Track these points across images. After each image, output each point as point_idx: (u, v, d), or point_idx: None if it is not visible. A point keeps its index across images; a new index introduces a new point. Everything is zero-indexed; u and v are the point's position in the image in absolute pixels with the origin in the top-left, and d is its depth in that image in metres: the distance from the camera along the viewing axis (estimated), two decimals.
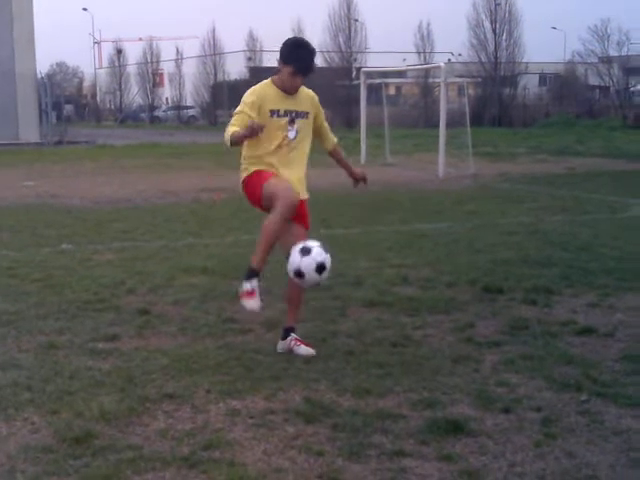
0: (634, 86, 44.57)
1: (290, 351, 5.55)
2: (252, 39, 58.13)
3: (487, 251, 9.22)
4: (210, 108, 58.81)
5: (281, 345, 5.65)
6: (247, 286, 5.29)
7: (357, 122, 28.50)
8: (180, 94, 62.87)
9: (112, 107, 70.91)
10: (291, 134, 5.46)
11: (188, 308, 6.84)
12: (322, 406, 4.62)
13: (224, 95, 52.82)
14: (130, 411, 4.53)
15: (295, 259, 5.28)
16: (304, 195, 5.57)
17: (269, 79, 5.52)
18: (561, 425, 4.37)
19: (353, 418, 4.45)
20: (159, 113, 65.09)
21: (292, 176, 5.43)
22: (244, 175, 5.53)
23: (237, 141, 5.20)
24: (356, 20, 52.93)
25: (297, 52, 5.45)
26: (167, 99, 67.04)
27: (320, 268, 5.25)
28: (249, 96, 5.42)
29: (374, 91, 28.02)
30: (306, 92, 5.62)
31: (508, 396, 4.78)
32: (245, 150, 5.50)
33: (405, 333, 6.07)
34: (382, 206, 13.39)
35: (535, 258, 8.70)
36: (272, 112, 5.40)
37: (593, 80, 48.11)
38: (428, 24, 53.47)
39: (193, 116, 62.07)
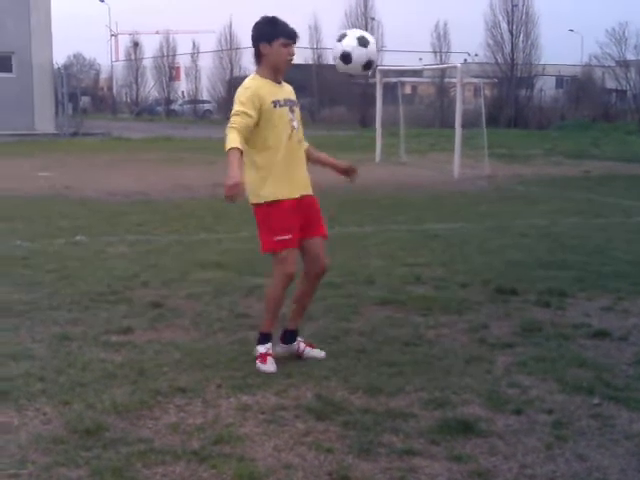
0: None
1: (301, 355, 5.43)
2: None
3: (500, 252, 9.20)
4: (226, 103, 58.80)
5: (283, 349, 5.46)
6: (262, 349, 5.26)
7: (372, 121, 28.44)
8: (196, 88, 62.98)
9: (128, 100, 71.12)
10: (295, 124, 5.25)
11: (201, 302, 6.85)
12: (333, 403, 4.62)
13: None
14: (141, 404, 4.54)
15: (349, 43, 5.27)
16: (309, 191, 5.35)
17: (253, 74, 5.26)
18: (572, 428, 4.36)
19: (364, 416, 4.44)
20: (175, 107, 65.19)
21: (301, 173, 5.30)
22: (261, 197, 5.18)
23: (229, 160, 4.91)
24: (373, 18, 52.91)
25: (275, 24, 5.18)
26: (183, 93, 67.14)
27: (369, 65, 5.34)
28: (245, 91, 5.12)
29: (390, 90, 27.96)
30: (287, 84, 5.38)
31: (520, 398, 4.77)
32: (253, 151, 5.14)
33: (417, 332, 6.06)
34: (395, 205, 13.37)
35: (549, 260, 8.67)
36: (274, 103, 5.14)
37: (610, 84, 47.91)
38: (445, 24, 53.42)
39: (209, 110, 62.17)
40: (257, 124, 5.08)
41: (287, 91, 5.31)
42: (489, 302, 6.98)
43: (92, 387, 4.78)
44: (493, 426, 4.37)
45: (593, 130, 37.30)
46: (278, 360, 5.31)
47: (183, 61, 65.74)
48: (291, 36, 5.18)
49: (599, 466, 3.93)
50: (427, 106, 50.54)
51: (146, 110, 66.19)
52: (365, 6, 52.83)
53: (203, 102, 62.99)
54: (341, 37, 5.36)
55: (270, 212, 5.17)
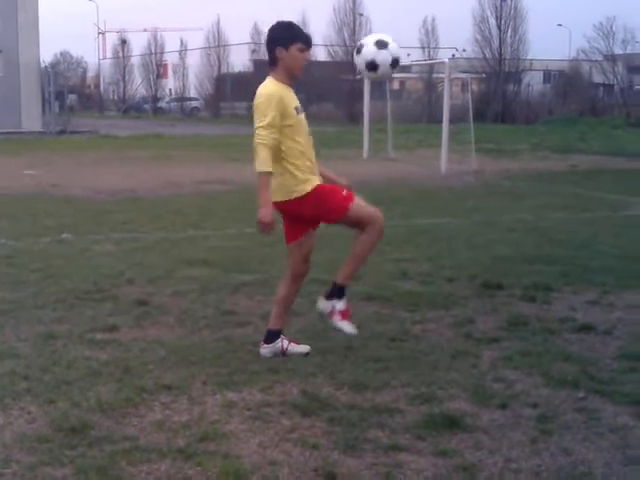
0: (638, 84, 44.48)
1: (284, 353, 5.35)
2: (257, 32, 58.09)
3: (487, 247, 9.21)
4: (213, 100, 58.80)
5: (267, 349, 5.39)
6: (341, 306, 5.29)
7: (360, 116, 28.43)
8: (183, 85, 62.97)
9: (115, 98, 70.99)
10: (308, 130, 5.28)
11: (187, 300, 6.84)
12: (319, 399, 4.62)
13: (227, 87, 52.82)
14: (127, 402, 4.53)
15: (370, 51, 5.30)
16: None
17: (269, 79, 5.16)
18: (558, 422, 4.37)
19: (350, 412, 4.45)
20: (162, 104, 65.11)
21: (319, 178, 5.27)
22: (300, 190, 5.16)
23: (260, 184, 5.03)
24: (361, 14, 52.90)
25: (292, 29, 5.20)
26: (170, 90, 67.03)
27: (395, 62, 5.36)
28: (268, 100, 5.01)
29: (378, 86, 27.95)
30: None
31: (505, 392, 4.77)
32: (282, 154, 5.13)
33: (404, 328, 6.07)
34: (383, 200, 13.33)
35: (535, 255, 8.69)
36: (296, 109, 5.13)
37: (597, 78, 48.03)
38: (433, 19, 53.54)
39: (196, 108, 62.10)
40: (283, 132, 5.04)
41: (295, 96, 5.28)
42: (475, 297, 7.00)
43: (77, 385, 4.77)
44: (478, 421, 4.38)
45: (580, 124, 37.38)
46: (263, 358, 5.31)
47: (171, 58, 65.65)
48: (307, 42, 5.18)
49: (584, 459, 3.95)
50: (415, 102, 50.56)
51: (133, 108, 66.08)
52: (353, 2, 52.85)
53: (190, 99, 62.93)
54: (359, 48, 5.40)
55: (318, 190, 5.16)
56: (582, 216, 11.85)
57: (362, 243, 5.18)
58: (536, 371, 5.11)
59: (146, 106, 65.29)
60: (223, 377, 4.95)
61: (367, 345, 5.59)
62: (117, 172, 18.29)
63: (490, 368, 5.19)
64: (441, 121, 20.33)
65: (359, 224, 5.15)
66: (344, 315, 5.30)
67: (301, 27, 5.34)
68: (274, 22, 5.31)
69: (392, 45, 5.35)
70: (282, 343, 5.41)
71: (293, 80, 5.23)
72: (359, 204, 5.14)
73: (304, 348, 5.42)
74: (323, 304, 5.38)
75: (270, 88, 5.10)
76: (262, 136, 4.97)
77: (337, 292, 5.31)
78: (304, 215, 5.26)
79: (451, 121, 20.38)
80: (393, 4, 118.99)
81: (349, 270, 5.30)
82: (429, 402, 4.60)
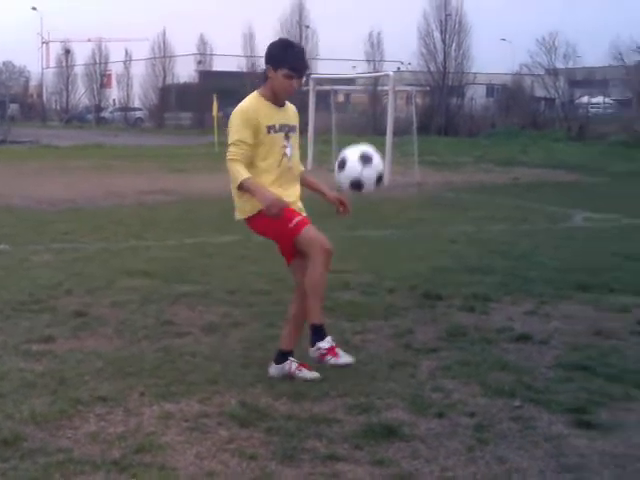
0: (579, 98, 45.24)
1: (291, 377, 5.15)
2: (202, 43, 58.01)
3: (428, 258, 9.28)
4: (157, 110, 58.44)
5: (276, 370, 5.21)
6: (325, 345, 5.02)
7: (305, 128, 28.52)
8: (128, 96, 62.50)
9: (58, 107, 70.13)
10: (288, 151, 5.08)
11: (126, 310, 6.77)
12: (257, 410, 4.61)
13: (172, 98, 52.57)
14: (61, 413, 4.47)
15: (355, 168, 5.09)
16: (304, 213, 5.19)
17: (255, 93, 5.07)
18: (494, 430, 4.42)
19: (288, 422, 4.44)
20: (105, 114, 64.52)
21: (293, 197, 5.12)
22: (254, 208, 4.99)
23: (247, 191, 4.87)
24: (307, 27, 53.06)
25: (287, 52, 5.03)
26: (114, 100, 66.47)
27: (380, 179, 5.17)
28: (240, 116, 4.95)
29: (323, 98, 28.04)
30: (291, 105, 5.23)
31: (443, 401, 4.81)
32: (251, 171, 4.95)
33: (344, 338, 6.06)
34: (326, 211, 13.36)
35: (475, 266, 8.78)
36: (269, 128, 4.97)
37: (539, 92, 48.72)
38: (379, 33, 53.79)
39: (140, 118, 61.66)
40: (252, 145, 4.95)
41: (287, 115, 5.14)
42: (416, 307, 7.04)
43: (11, 397, 4.69)
44: (416, 430, 4.40)
45: (522, 138, 37.86)
46: (202, 366, 5.28)
47: (115, 68, 65.14)
48: (296, 69, 5.00)
49: (518, 468, 3.99)
50: (360, 114, 50.81)
51: (76, 117, 65.37)
52: (300, 14, 52.99)
53: (134, 110, 62.45)
54: (341, 163, 5.16)
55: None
56: (523, 228, 12.02)
57: (309, 279, 5.00)
58: (474, 380, 5.15)
59: (89, 116, 64.63)
60: (161, 388, 4.91)
61: (306, 355, 5.57)
62: (58, 182, 18.05)
63: (428, 378, 5.23)
64: (385, 133, 20.44)
65: (306, 256, 5.03)
66: (332, 352, 5.04)
67: (298, 51, 5.14)
68: (279, 38, 5.25)
69: (376, 159, 5.15)
70: (290, 366, 5.21)
71: (283, 98, 5.11)
72: (306, 237, 4.97)
73: (312, 375, 5.17)
74: (311, 352, 5.11)
75: (246, 104, 5.02)
76: (232, 153, 4.91)
77: (316, 334, 5.07)
78: (265, 234, 5.18)
79: (395, 133, 20.51)
80: (339, 17, 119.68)
81: (310, 308, 5.05)
82: (367, 412, 4.62)
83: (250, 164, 4.96)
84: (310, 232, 4.99)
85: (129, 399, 4.74)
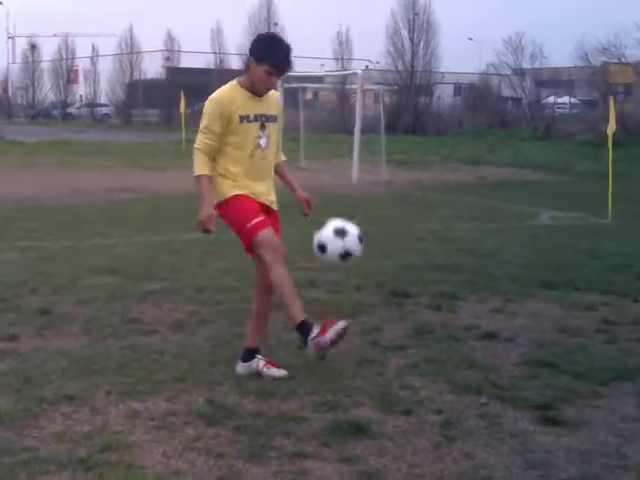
0: (545, 98, 45.57)
1: (259, 374, 5.15)
2: (170, 39, 57.66)
3: (396, 256, 9.31)
4: (125, 107, 58.04)
5: (243, 368, 5.19)
6: (314, 333, 4.90)
7: None
8: (94, 92, 61.92)
9: (24, 103, 69.37)
10: (263, 142, 5.05)
11: (92, 308, 6.72)
12: (225, 408, 4.60)
13: (139, 94, 52.25)
14: (26, 412, 4.43)
15: (327, 234, 5.21)
16: (274, 207, 5.25)
17: (234, 80, 5.07)
18: (461, 427, 4.44)
19: (255, 420, 4.43)
20: (72, 110, 63.94)
21: (264, 188, 5.12)
22: (221, 195, 5.04)
23: (198, 188, 4.93)
24: (275, 24, 52.91)
25: (272, 48, 5.00)
26: (81, 96, 65.90)
27: (345, 255, 5.19)
28: (212, 105, 4.97)
29: (291, 96, 28.00)
30: (274, 93, 5.21)
31: (410, 399, 4.83)
32: (218, 157, 5.03)
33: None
34: (292, 209, 13.36)
35: (442, 264, 8.82)
36: (242, 118, 4.97)
37: (506, 92, 49.00)
38: (347, 30, 53.78)
39: (107, 114, 61.18)
40: (223, 138, 4.98)
41: (266, 105, 5.10)
42: (383, 305, 7.06)
43: None
44: (383, 427, 4.42)
45: (489, 137, 38.04)
46: (169, 364, 5.25)
47: (82, 64, 64.58)
48: (277, 67, 4.98)
49: (485, 464, 4.01)
50: (328, 112, 50.81)
51: (42, 113, 64.71)
52: (268, 11, 52.88)
53: (101, 105, 61.97)
54: (322, 247, 5.25)
55: (234, 204, 5.02)
56: (489, 226, 12.09)
57: (273, 283, 5.02)
58: (441, 378, 5.18)
59: (55, 112, 64.04)
60: (127, 386, 4.88)
61: (274, 353, 5.56)
62: (23, 179, 17.87)
63: (396, 375, 5.24)
64: (354, 131, 20.46)
65: (259, 259, 5.05)
66: (323, 332, 4.92)
67: (284, 49, 5.04)
68: (266, 32, 5.21)
69: (350, 237, 5.18)
70: (257, 363, 5.20)
71: (261, 92, 5.07)
72: (260, 240, 4.97)
73: (280, 372, 5.15)
74: (309, 350, 5.06)
75: (221, 92, 5.04)
76: (198, 140, 5.00)
77: (303, 332, 5.01)
78: (227, 225, 5.14)
79: (363, 132, 20.53)
80: (308, 14, 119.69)
81: (287, 310, 5.06)
82: (335, 409, 4.62)
83: (221, 152, 5.01)
84: (265, 236, 4.99)
85: (95, 398, 4.70)
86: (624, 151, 26.63)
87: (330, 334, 4.89)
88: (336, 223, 5.28)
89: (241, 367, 5.22)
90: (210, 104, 5.00)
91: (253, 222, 4.98)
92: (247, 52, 5.12)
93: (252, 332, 5.30)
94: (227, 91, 5.04)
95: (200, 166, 4.97)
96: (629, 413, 4.68)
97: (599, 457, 4.11)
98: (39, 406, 4.53)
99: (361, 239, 5.22)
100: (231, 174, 5.04)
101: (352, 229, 5.24)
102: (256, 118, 5.05)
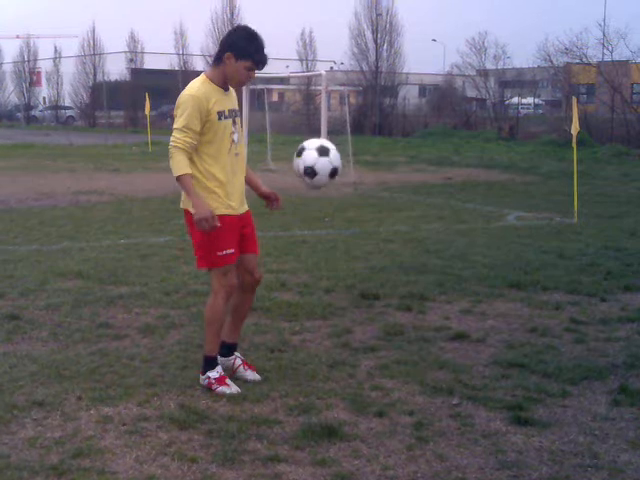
0: (509, 99, 45.90)
1: (234, 372, 5.15)
2: (133, 40, 57.35)
3: (365, 258, 9.33)
4: (89, 109, 57.63)
5: (221, 361, 5.15)
6: (215, 374, 4.96)
7: None
8: (58, 94, 61.41)
9: None
10: (235, 137, 4.97)
11: (61, 313, 6.66)
12: (197, 412, 4.59)
13: (103, 96, 51.84)
14: None
15: (310, 157, 5.22)
16: (246, 206, 5.15)
17: (202, 76, 4.93)
18: (433, 429, 4.46)
19: (228, 424, 4.43)
20: (36, 113, 63.39)
21: (239, 191, 5.03)
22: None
23: (183, 188, 4.78)
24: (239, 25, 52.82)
25: (254, 44, 4.87)
26: (44, 99, 65.32)
27: (334, 172, 5.28)
28: (192, 102, 4.79)
29: (257, 97, 27.99)
30: (231, 88, 5.06)
31: (382, 400, 4.84)
32: (193, 156, 4.86)
33: (283, 338, 6.08)
34: (261, 211, 13.34)
35: (411, 265, 8.84)
36: (220, 114, 4.86)
37: (470, 92, 49.32)
38: (311, 32, 53.83)
39: (71, 117, 60.76)
40: (200, 133, 4.83)
41: (232, 99, 5.04)
42: (353, 307, 7.07)
43: None
44: (356, 429, 4.43)
45: (455, 137, 38.28)
46: (141, 369, 5.22)
47: (44, 66, 63.99)
48: (259, 63, 4.90)
49: (458, 465, 4.04)
50: (294, 113, 50.82)
51: (5, 116, 64.11)
52: (231, 12, 52.76)
53: (65, 108, 61.49)
54: (300, 151, 5.28)
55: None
56: (457, 227, 12.13)
57: (209, 311, 5.02)
58: (412, 379, 5.20)
59: (19, 115, 63.42)
60: (98, 392, 4.85)
61: (246, 356, 5.55)
62: None
63: (367, 377, 5.26)
64: (320, 133, 20.46)
65: (212, 286, 5.04)
66: (221, 381, 4.96)
67: (263, 44, 4.93)
68: (241, 25, 5.14)
69: (333, 153, 5.28)
70: (235, 361, 5.20)
71: (228, 86, 4.99)
72: (221, 275, 4.94)
73: (254, 376, 5.17)
74: (201, 380, 5.04)
75: (194, 88, 4.87)
76: (176, 139, 4.77)
77: (207, 364, 5.03)
78: (190, 235, 5.06)
79: (329, 133, 20.52)
80: (271, 15, 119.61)
81: (206, 339, 5.09)
82: (307, 412, 4.63)
83: (197, 151, 4.85)
84: (227, 270, 4.95)
85: (66, 403, 4.67)
86: (588, 151, 26.95)
87: (223, 389, 4.92)
88: (313, 143, 5.34)
89: (218, 360, 5.11)
90: (188, 101, 4.80)
91: (224, 252, 4.91)
92: (222, 45, 4.93)
93: (233, 328, 5.26)
94: (201, 87, 4.88)
95: (181, 165, 4.74)
96: (599, 412, 4.74)
97: (571, 457, 4.15)
98: (10, 412, 4.50)
99: (334, 174, 5.34)
100: (210, 174, 4.88)
101: (330, 144, 5.37)
102: (230, 114, 4.97)
